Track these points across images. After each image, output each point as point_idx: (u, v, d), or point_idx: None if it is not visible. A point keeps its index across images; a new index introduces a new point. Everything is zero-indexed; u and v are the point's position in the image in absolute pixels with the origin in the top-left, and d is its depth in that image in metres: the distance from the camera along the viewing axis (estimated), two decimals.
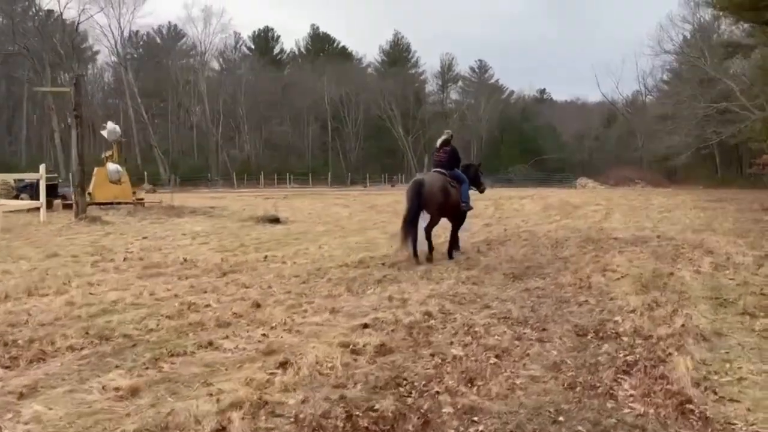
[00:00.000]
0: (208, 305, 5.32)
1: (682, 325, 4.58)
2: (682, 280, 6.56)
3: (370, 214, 17.14)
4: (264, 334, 4.41)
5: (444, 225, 8.66)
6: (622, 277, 6.74)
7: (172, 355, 3.90)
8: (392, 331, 4.56)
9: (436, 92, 75.95)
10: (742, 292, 5.89)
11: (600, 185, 48.94)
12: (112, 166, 16.52)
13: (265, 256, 8.29)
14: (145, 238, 10.49)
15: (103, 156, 17.78)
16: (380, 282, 6.55)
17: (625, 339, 4.35)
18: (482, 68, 74.98)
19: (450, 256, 8.43)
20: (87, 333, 4.35)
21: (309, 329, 4.59)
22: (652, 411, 3.07)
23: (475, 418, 3.01)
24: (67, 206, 15.55)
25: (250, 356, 3.93)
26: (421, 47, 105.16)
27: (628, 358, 3.92)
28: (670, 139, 43.44)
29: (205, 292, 5.94)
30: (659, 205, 20.40)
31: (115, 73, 61.29)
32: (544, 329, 4.66)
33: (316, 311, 5.17)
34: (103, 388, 3.32)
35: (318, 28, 74.52)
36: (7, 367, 3.69)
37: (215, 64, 67.30)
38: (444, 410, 3.10)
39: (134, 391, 3.26)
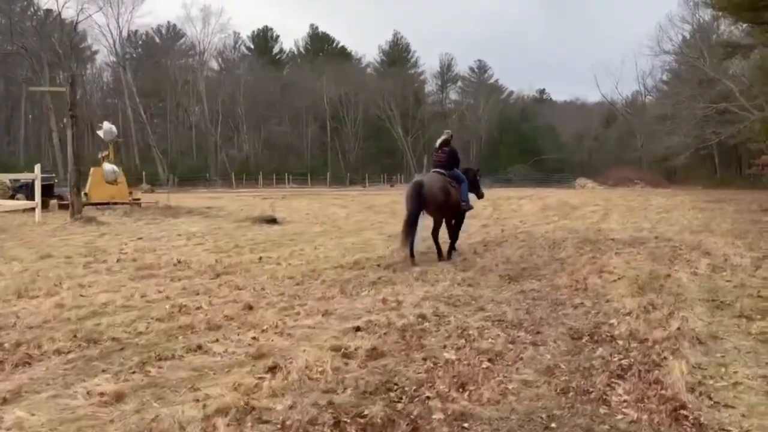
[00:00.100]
0: (199, 307, 5.27)
1: (678, 329, 4.52)
2: (678, 281, 6.51)
3: (367, 214, 17.08)
4: (254, 338, 4.35)
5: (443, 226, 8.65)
6: (618, 278, 6.69)
7: (160, 359, 3.84)
8: (385, 334, 4.50)
9: (436, 92, 75.98)
10: (739, 294, 5.84)
11: (599, 185, 48.88)
12: (108, 167, 16.46)
13: (260, 258, 8.23)
14: (140, 238, 10.43)
15: (99, 156, 17.72)
16: (375, 284, 6.50)
17: (620, 342, 4.30)
18: (481, 68, 75.03)
19: (449, 256, 8.44)
20: (75, 336, 4.30)
21: (300, 332, 4.54)
22: (645, 417, 3.02)
23: (466, 425, 2.96)
24: (63, 206, 15.49)
25: (240, 360, 3.87)
26: (421, 47, 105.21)
27: (622, 362, 3.86)
28: (669, 140, 43.43)
29: (198, 294, 5.88)
30: (658, 205, 20.35)
31: (114, 73, 61.27)
32: (538, 332, 4.60)
33: (309, 314, 5.11)
34: (87, 393, 3.26)
35: (317, 28, 74.60)
36: None
37: (214, 64, 67.38)
38: (434, 416, 3.04)
39: (119, 397, 3.20)
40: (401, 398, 3.27)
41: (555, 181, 50.86)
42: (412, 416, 3.04)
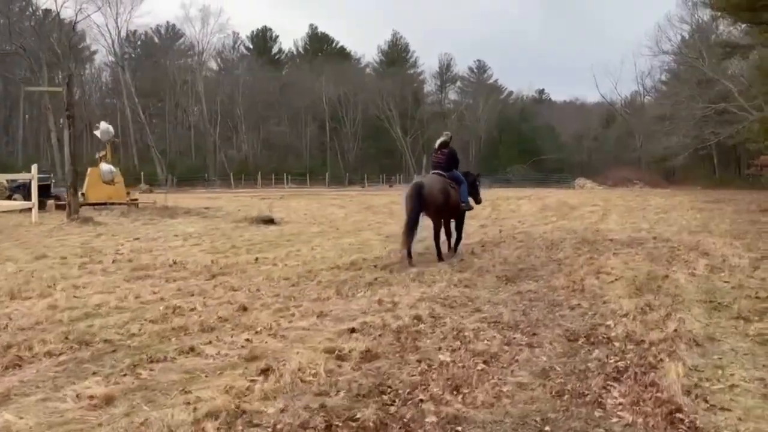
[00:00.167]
0: (193, 309, 5.23)
1: (675, 330, 4.49)
2: (676, 282, 6.48)
3: (365, 214, 17.05)
4: (248, 339, 4.32)
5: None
6: (616, 279, 6.65)
7: (152, 361, 3.80)
8: (380, 335, 4.47)
9: (435, 92, 75.95)
10: (737, 295, 5.81)
11: (598, 186, 48.88)
12: (105, 167, 16.42)
13: (256, 258, 8.20)
14: (136, 239, 10.40)
15: (97, 156, 17.68)
16: (371, 285, 6.46)
17: (617, 344, 4.26)
18: (481, 68, 74.99)
19: (455, 250, 8.71)
20: (67, 338, 4.26)
21: (294, 334, 4.50)
22: (640, 420, 2.99)
23: (459, 428, 2.92)
24: (60, 207, 15.45)
25: (232, 362, 3.84)
26: (420, 47, 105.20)
27: (618, 364, 3.83)
28: (668, 140, 43.45)
29: (192, 295, 5.84)
30: (656, 205, 20.34)
31: (113, 73, 61.20)
32: (534, 334, 4.57)
33: (304, 315, 5.08)
34: (77, 396, 3.22)
35: (316, 28, 74.59)
36: None
37: (213, 64, 67.30)
38: (427, 419, 3.00)
39: (109, 400, 3.16)
40: (394, 401, 3.23)
41: (554, 182, 50.86)
42: (404, 419, 3.00)
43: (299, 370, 3.62)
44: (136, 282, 6.46)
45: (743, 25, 26.09)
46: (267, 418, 2.99)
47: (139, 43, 64.33)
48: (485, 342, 4.32)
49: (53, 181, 18.88)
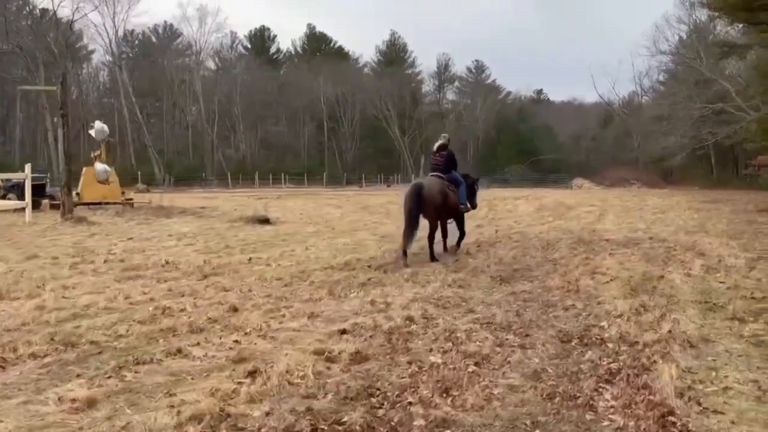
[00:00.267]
0: (183, 309, 5.17)
1: (669, 331, 4.44)
2: (671, 283, 6.43)
3: (362, 214, 16.99)
4: (236, 341, 4.26)
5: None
6: (611, 280, 6.61)
7: (138, 363, 3.74)
8: (371, 337, 4.41)
9: (433, 92, 75.98)
10: (732, 295, 5.76)
11: (596, 186, 48.88)
12: (99, 166, 16.33)
13: (250, 258, 8.13)
14: (130, 239, 10.32)
15: (92, 156, 17.60)
16: (364, 285, 6.41)
17: (610, 345, 4.21)
18: (479, 68, 75.01)
19: (458, 245, 8.92)
20: (52, 339, 4.20)
21: (284, 335, 4.44)
22: (632, 423, 2.93)
23: None
24: (54, 206, 15.37)
25: (219, 364, 3.78)
26: (418, 47, 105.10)
27: (611, 365, 3.78)
28: (665, 140, 43.46)
29: (183, 295, 5.78)
30: (654, 206, 20.30)
31: (110, 73, 61.06)
32: (527, 335, 4.52)
33: (294, 316, 5.02)
34: (59, 399, 3.16)
35: (314, 27, 74.57)
36: None
37: (211, 64, 67.20)
38: (415, 423, 2.95)
39: (91, 403, 3.10)
40: (383, 404, 3.18)
41: (552, 182, 50.84)
42: (392, 423, 2.95)
43: (287, 372, 3.57)
44: (127, 282, 6.39)
45: (741, 25, 26.08)
46: (252, 421, 2.93)
47: (136, 42, 64.21)
48: (477, 343, 4.26)
49: (48, 180, 18.78)
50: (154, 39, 64.50)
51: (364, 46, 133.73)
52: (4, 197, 15.86)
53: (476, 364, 3.82)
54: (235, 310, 5.18)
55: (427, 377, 3.56)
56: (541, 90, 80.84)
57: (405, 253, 7.94)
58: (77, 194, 16.06)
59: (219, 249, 9.15)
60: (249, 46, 70.09)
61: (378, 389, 3.38)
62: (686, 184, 42.65)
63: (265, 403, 3.15)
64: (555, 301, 5.67)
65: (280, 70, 70.01)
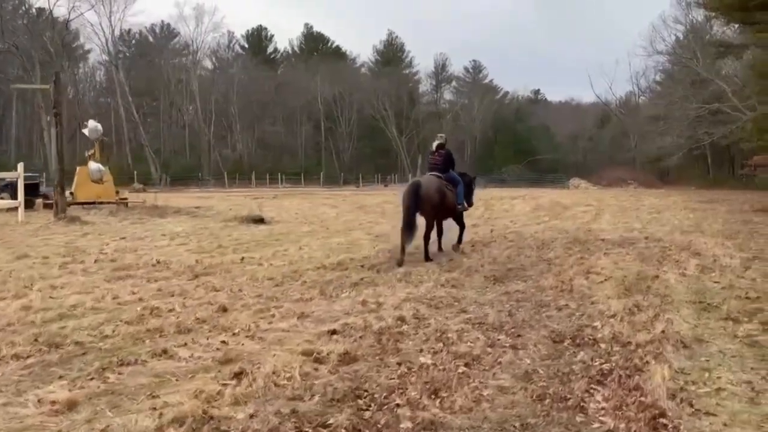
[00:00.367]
0: (171, 310, 5.10)
1: (662, 331, 4.39)
2: (666, 283, 6.39)
3: (357, 214, 16.93)
4: (224, 342, 4.19)
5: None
6: (605, 279, 6.56)
7: (122, 365, 3.68)
8: (360, 337, 4.35)
9: (430, 92, 75.95)
10: (727, 295, 5.72)
11: (593, 186, 48.89)
12: (93, 165, 16.23)
13: (242, 258, 8.07)
14: (122, 238, 10.24)
15: (86, 155, 17.50)
16: (356, 285, 6.35)
17: (603, 346, 4.16)
18: (476, 68, 74.96)
19: (459, 242, 9.06)
20: (36, 340, 4.13)
21: (273, 336, 4.38)
22: (622, 426, 2.88)
23: None
24: (48, 206, 15.26)
25: (205, 365, 3.71)
26: (415, 47, 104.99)
27: (603, 366, 3.73)
28: (662, 140, 43.49)
29: (172, 295, 5.71)
30: (650, 205, 20.29)
31: (107, 72, 60.85)
32: (519, 335, 4.47)
33: (284, 316, 4.96)
34: (39, 401, 3.10)
35: (312, 27, 74.43)
36: None
37: (208, 63, 67.02)
38: (402, 425, 2.89)
39: (71, 405, 3.04)
40: (370, 406, 3.12)
41: (549, 182, 50.85)
42: (378, 425, 2.89)
43: (273, 373, 3.51)
44: (117, 282, 6.32)
45: (737, 25, 26.09)
46: (235, 423, 2.87)
47: (133, 42, 64.00)
48: (468, 344, 4.21)
49: (42, 180, 18.66)
50: (150, 38, 64.29)
51: (361, 46, 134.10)
52: None
53: (466, 365, 3.76)
54: (224, 310, 5.11)
55: (416, 378, 3.51)
56: (539, 90, 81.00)
57: (403, 250, 7.95)
58: (71, 194, 15.97)
59: (212, 249, 9.08)
60: (246, 45, 69.93)
61: (366, 391, 3.32)
62: (683, 184, 42.71)
63: (249, 405, 3.09)
64: (548, 301, 5.62)
65: (278, 69, 69.86)
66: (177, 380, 3.46)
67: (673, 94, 43.72)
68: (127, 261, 7.71)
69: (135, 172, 44.37)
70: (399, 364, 3.78)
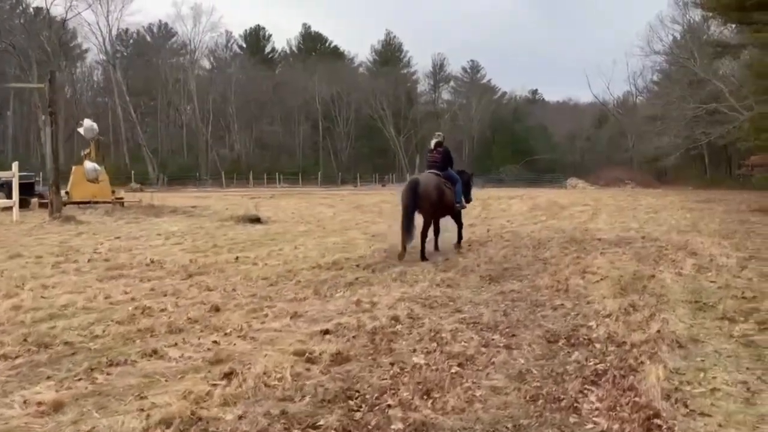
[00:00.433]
0: (164, 309, 5.05)
1: (658, 331, 4.36)
2: (662, 282, 6.36)
3: (354, 214, 16.89)
4: (215, 341, 4.15)
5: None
6: (601, 279, 6.53)
7: (111, 365, 3.63)
8: (354, 337, 4.31)
9: (428, 92, 75.89)
10: (723, 295, 5.69)
11: (590, 186, 48.91)
12: (89, 165, 16.15)
13: (237, 257, 8.02)
14: (117, 238, 10.19)
15: (82, 154, 17.43)
16: (351, 285, 6.31)
17: (597, 346, 4.13)
18: (474, 68, 74.94)
19: (459, 243, 9.11)
20: (25, 340, 4.08)
21: (265, 336, 4.34)
22: (616, 426, 2.85)
23: None
24: (43, 205, 15.18)
25: (195, 366, 3.67)
26: (413, 47, 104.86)
27: (598, 366, 3.69)
28: (659, 140, 43.52)
29: (165, 295, 5.67)
30: (647, 205, 20.29)
31: (104, 72, 60.69)
32: (513, 335, 4.43)
33: (277, 316, 4.91)
34: (24, 402, 3.05)
35: (310, 27, 74.32)
36: None
37: (206, 63, 66.90)
38: (392, 426, 2.85)
39: (58, 406, 2.99)
40: (361, 407, 3.08)
41: (546, 182, 50.89)
42: (369, 427, 2.85)
43: (264, 373, 3.47)
44: (109, 282, 6.27)
45: (734, 25, 26.10)
46: (223, 425, 2.83)
47: (131, 41, 63.87)
48: (462, 344, 4.17)
49: (38, 179, 18.57)
50: (148, 38, 64.16)
51: (359, 46, 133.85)
52: None
53: (460, 365, 3.73)
54: (216, 310, 5.07)
55: (408, 379, 3.47)
56: (536, 90, 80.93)
57: (404, 248, 7.98)
58: (66, 193, 15.90)
59: (207, 248, 9.03)
60: (244, 45, 69.81)
61: (357, 391, 3.28)
62: (680, 184, 42.75)
63: (239, 406, 3.05)
64: (543, 301, 5.59)
65: (276, 69, 69.73)
66: (166, 381, 3.41)
67: (671, 94, 43.75)
68: (121, 260, 7.66)
69: (132, 172, 44.29)
70: (392, 364, 3.74)
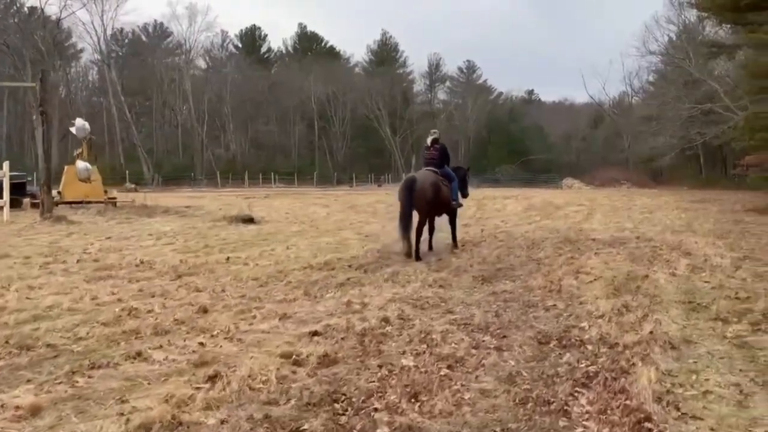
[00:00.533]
0: (150, 311, 4.98)
1: (651, 332, 4.31)
2: (656, 283, 6.32)
3: (348, 214, 16.81)
4: (201, 343, 4.08)
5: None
6: (595, 279, 6.48)
7: (93, 368, 3.56)
8: (342, 339, 4.25)
9: (424, 92, 75.80)
10: (717, 295, 5.65)
11: (586, 186, 48.93)
12: (81, 164, 16.01)
13: (227, 258, 7.94)
14: (108, 238, 10.09)
15: (74, 154, 17.30)
16: (342, 285, 6.25)
17: (590, 347, 4.08)
18: (470, 68, 74.91)
19: (455, 246, 9.05)
20: (7, 342, 4.00)
21: (252, 337, 4.27)
22: (606, 430, 2.79)
23: None
24: (35, 205, 15.06)
25: (179, 368, 3.60)
26: (409, 47, 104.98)
27: (589, 368, 3.64)
28: (654, 140, 43.56)
29: (153, 296, 5.59)
30: (642, 205, 20.27)
31: (99, 71, 60.42)
32: (504, 336, 4.37)
33: (265, 317, 4.85)
34: (2, 406, 2.98)
35: (305, 27, 74.18)
36: None
37: (201, 63, 66.66)
38: (378, 430, 2.79)
39: (35, 411, 2.92)
40: (346, 410, 3.02)
41: (542, 182, 50.87)
42: (354, 431, 2.79)
43: (249, 376, 3.40)
44: (97, 283, 6.19)
45: (729, 26, 26.12)
46: (205, 429, 2.77)
47: (126, 41, 63.57)
48: (452, 345, 4.12)
49: (29, 179, 18.42)
50: (143, 38, 63.88)
51: (355, 46, 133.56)
52: None
53: (449, 367, 3.67)
54: (204, 311, 5.00)
55: (396, 381, 3.40)
56: (533, 90, 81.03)
57: (410, 245, 8.03)
58: (58, 193, 15.77)
59: (198, 248, 8.94)
60: (240, 45, 69.60)
61: (343, 394, 3.21)
62: (675, 184, 42.76)
63: (222, 409, 2.98)
64: (536, 301, 5.54)
65: (271, 69, 69.58)
66: (149, 384, 3.34)
67: (666, 95, 43.80)
68: (110, 261, 7.57)
69: (127, 172, 44.07)
70: (380, 366, 3.68)
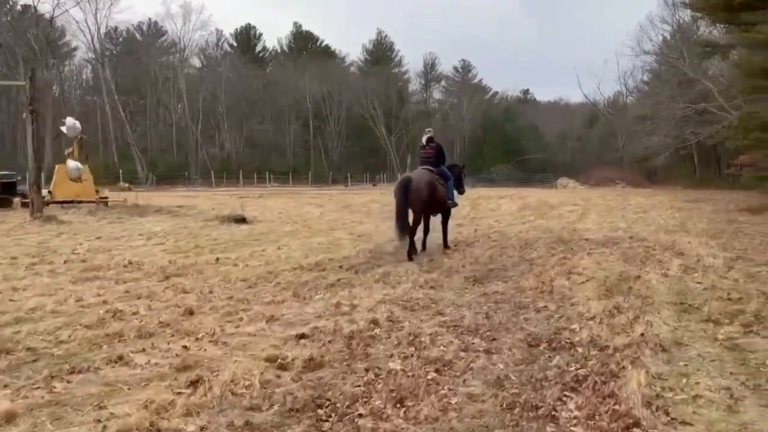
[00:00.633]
0: (135, 313, 4.90)
1: (642, 334, 4.26)
2: (648, 283, 6.27)
3: (342, 213, 16.73)
4: (185, 347, 4.01)
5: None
6: (587, 280, 6.43)
7: (73, 372, 3.48)
8: (329, 342, 4.18)
9: (419, 91, 75.69)
10: (709, 296, 5.61)
11: (580, 185, 48.99)
12: (71, 164, 15.87)
13: (217, 258, 7.86)
14: (98, 238, 9.99)
15: (66, 153, 17.15)
16: (332, 286, 6.18)
17: (580, 350, 4.03)
18: (465, 68, 74.82)
19: (446, 245, 8.99)
20: None
21: (237, 341, 4.20)
22: None
23: None
24: (26, 205, 14.91)
25: (161, 373, 3.52)
26: (405, 46, 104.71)
27: (579, 372, 3.58)
28: (649, 140, 43.56)
29: (139, 297, 5.51)
30: (636, 205, 20.27)
31: (93, 70, 60.07)
32: (494, 339, 4.32)
33: (252, 319, 4.78)
34: None
35: (301, 26, 73.92)
36: None
37: (196, 62, 66.37)
38: None
39: (10, 417, 2.85)
40: (330, 416, 2.96)
41: (537, 181, 50.89)
42: None
43: (232, 381, 3.33)
44: (83, 284, 6.10)
45: (723, 25, 26.16)
46: None
47: (120, 39, 63.21)
48: (441, 348, 4.06)
49: (20, 178, 18.26)
50: (138, 36, 63.53)
51: (350, 45, 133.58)
52: None
53: (437, 370, 3.61)
54: (190, 313, 4.92)
55: (382, 386, 3.34)
56: (528, 90, 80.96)
57: (410, 242, 8.01)
58: (49, 192, 15.64)
59: (188, 249, 8.86)
60: (234, 44, 69.32)
61: (328, 400, 3.15)
62: (670, 184, 42.86)
63: (202, 416, 2.91)
64: (527, 303, 5.49)
65: (266, 68, 69.28)
66: (129, 389, 3.27)
67: (660, 94, 43.83)
68: (98, 262, 7.48)
69: (121, 171, 43.83)
70: (366, 370, 3.61)
